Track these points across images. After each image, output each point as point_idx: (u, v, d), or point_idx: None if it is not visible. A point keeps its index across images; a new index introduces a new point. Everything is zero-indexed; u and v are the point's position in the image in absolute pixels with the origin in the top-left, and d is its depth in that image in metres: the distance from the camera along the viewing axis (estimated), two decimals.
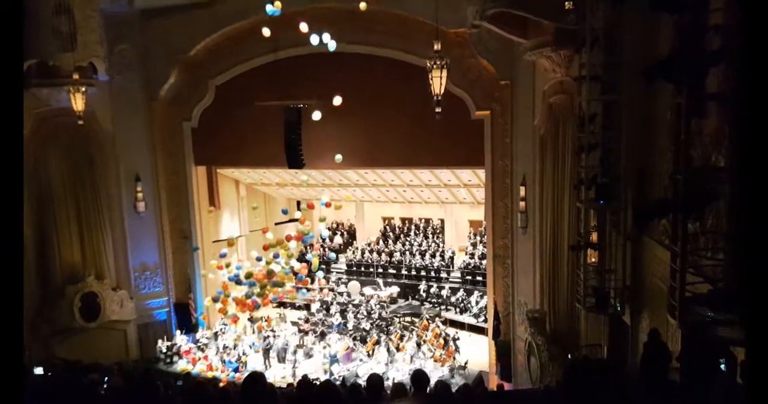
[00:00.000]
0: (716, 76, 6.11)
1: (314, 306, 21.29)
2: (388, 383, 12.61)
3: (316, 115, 15.17)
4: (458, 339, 17.53)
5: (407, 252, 23.63)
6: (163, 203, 18.65)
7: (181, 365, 17.67)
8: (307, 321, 19.76)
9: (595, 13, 9.36)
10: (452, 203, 23.15)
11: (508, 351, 15.12)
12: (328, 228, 23.89)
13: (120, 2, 16.72)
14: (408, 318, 20.03)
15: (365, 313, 19.97)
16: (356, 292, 22.13)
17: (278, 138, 15.97)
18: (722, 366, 5.79)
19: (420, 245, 24.19)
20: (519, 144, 14.36)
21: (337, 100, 14.88)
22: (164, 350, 18.10)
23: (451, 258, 22.88)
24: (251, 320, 19.17)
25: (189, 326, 18.68)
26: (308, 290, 22.16)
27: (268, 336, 17.87)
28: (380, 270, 23.24)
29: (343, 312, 20.05)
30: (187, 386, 10.45)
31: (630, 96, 9.25)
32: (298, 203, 25.37)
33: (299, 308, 22.14)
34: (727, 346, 5.77)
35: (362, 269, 23.72)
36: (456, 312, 20.46)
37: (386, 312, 20.21)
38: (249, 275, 17.51)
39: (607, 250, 9.78)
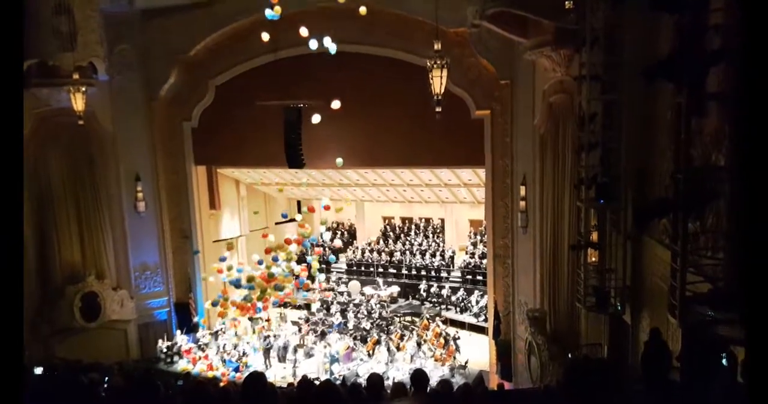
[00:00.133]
0: (716, 75, 6.11)
1: (314, 306, 21.30)
2: (389, 382, 12.62)
3: (315, 119, 15.16)
4: (458, 338, 17.54)
5: (407, 252, 23.64)
6: (164, 203, 18.66)
7: (181, 365, 17.66)
8: (307, 320, 19.77)
9: (595, 12, 9.36)
10: (452, 203, 23.14)
11: (508, 351, 15.13)
12: (328, 229, 23.89)
13: (120, 2, 16.72)
14: (408, 318, 20.04)
15: (365, 313, 19.98)
16: (356, 292, 22.14)
17: (278, 137, 15.96)
18: (722, 366, 5.79)
19: (420, 245, 24.19)
20: (519, 143, 14.36)
21: (336, 104, 14.85)
22: (164, 350, 18.10)
23: (452, 257, 22.88)
24: (251, 320, 19.16)
25: (189, 326, 18.68)
26: (308, 290, 22.15)
27: (269, 336, 17.88)
28: (380, 269, 23.25)
29: (343, 312, 20.05)
30: (187, 386, 10.46)
31: (630, 95, 9.24)
32: (299, 203, 25.35)
33: (299, 307, 22.15)
34: (728, 345, 5.76)
35: (362, 269, 23.73)
36: (456, 312, 20.47)
37: (386, 312, 20.22)
38: (251, 279, 17.47)
39: (608, 250, 9.78)
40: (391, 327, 18.87)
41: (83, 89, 15.03)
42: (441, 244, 24.12)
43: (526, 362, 12.85)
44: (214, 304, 18.06)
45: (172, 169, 18.67)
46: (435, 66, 10.24)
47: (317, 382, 8.39)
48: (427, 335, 17.87)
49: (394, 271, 23.00)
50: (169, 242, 18.81)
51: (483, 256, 20.33)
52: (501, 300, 15.48)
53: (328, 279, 22.75)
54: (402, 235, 25.47)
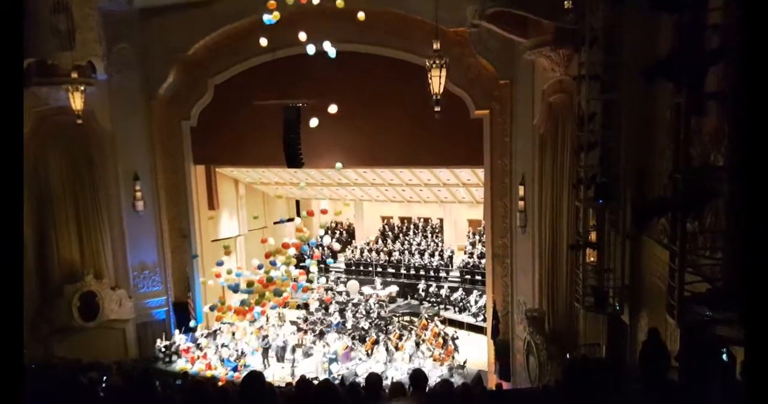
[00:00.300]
0: (716, 75, 6.11)
1: (313, 306, 21.28)
2: (387, 382, 12.62)
3: (314, 122, 15.15)
4: (457, 338, 17.54)
5: (406, 252, 23.64)
6: (162, 202, 18.65)
7: (179, 364, 17.66)
8: (305, 320, 19.76)
9: (594, 12, 9.35)
10: (451, 202, 23.15)
11: (506, 351, 15.14)
12: (327, 230, 23.85)
13: (119, 1, 16.69)
14: (407, 318, 20.04)
15: (364, 312, 19.97)
16: (355, 291, 22.13)
17: (277, 137, 15.94)
18: (721, 365, 5.80)
19: (419, 244, 24.20)
20: (518, 143, 14.36)
21: (333, 109, 14.81)
22: (163, 349, 18.10)
23: (450, 257, 22.90)
24: (251, 323, 19.11)
25: (188, 325, 18.67)
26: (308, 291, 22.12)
27: (267, 336, 17.86)
28: (379, 269, 23.24)
29: (342, 312, 20.05)
30: (185, 385, 10.46)
31: (629, 95, 9.24)
32: (298, 203, 25.34)
33: (298, 307, 22.12)
34: (726, 345, 5.77)
35: (361, 268, 23.73)
36: (455, 312, 20.48)
37: (385, 312, 20.22)
38: (251, 284, 17.39)
39: (606, 249, 9.77)
40: (390, 327, 18.87)
41: (82, 88, 15.02)
42: (440, 244, 24.14)
43: (525, 362, 12.86)
44: (212, 308, 18.04)
45: (170, 168, 18.66)
46: (434, 65, 10.25)
47: (316, 382, 8.39)
48: (425, 335, 17.87)
49: (393, 271, 23.00)
50: (168, 241, 18.81)
51: (482, 256, 20.34)
52: (500, 299, 15.50)
53: (327, 279, 22.74)
54: (401, 235, 25.48)
